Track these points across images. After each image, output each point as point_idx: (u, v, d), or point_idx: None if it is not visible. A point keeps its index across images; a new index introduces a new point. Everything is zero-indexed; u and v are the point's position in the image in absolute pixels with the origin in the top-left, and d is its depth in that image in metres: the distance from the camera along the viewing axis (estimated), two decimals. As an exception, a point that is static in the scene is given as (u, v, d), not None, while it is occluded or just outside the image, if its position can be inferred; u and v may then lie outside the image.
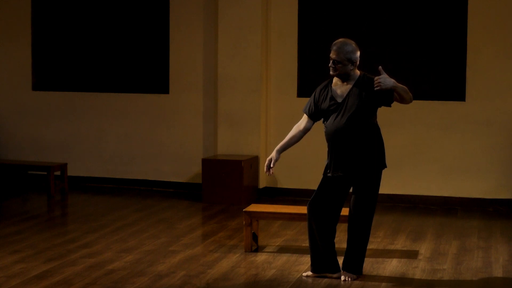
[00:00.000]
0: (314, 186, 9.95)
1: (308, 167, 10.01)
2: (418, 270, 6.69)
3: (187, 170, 10.49)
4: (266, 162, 6.47)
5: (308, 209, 6.41)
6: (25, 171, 10.92)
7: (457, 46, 9.57)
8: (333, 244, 6.41)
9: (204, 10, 10.30)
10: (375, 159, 6.27)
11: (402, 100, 6.19)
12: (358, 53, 6.27)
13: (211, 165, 9.70)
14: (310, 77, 10.06)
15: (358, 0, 9.86)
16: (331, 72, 6.31)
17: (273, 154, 6.48)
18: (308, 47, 10.06)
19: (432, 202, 9.63)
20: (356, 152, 6.25)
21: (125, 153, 10.76)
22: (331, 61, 6.26)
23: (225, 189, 9.61)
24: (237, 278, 6.36)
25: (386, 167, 6.39)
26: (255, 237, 7.34)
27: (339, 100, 6.30)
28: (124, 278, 6.29)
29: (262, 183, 10.14)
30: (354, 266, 6.41)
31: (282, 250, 7.29)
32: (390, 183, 9.75)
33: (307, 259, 6.94)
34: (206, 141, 10.36)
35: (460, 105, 9.56)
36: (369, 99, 6.21)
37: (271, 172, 6.49)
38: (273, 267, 6.69)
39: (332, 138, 6.35)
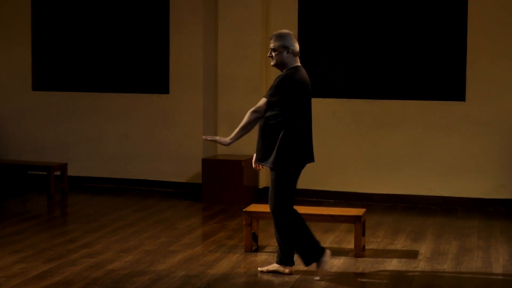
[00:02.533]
0: (314, 186, 10.04)
1: (308, 167, 9.98)
2: (418, 270, 6.69)
3: (187, 170, 10.49)
4: None
5: None
6: (25, 171, 10.92)
7: (457, 46, 9.57)
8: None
9: (204, 10, 10.30)
10: (274, 155, 6.27)
11: (251, 127, 6.33)
12: (295, 43, 6.36)
13: (211, 165, 9.70)
14: (310, 77, 10.02)
15: (358, 0, 9.86)
16: (271, 63, 6.43)
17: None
18: (308, 47, 10.05)
19: (432, 202, 9.64)
20: (259, 144, 6.37)
21: (125, 153, 10.76)
22: (269, 52, 6.40)
23: (225, 189, 9.61)
24: (237, 278, 6.37)
25: (293, 166, 6.34)
26: (255, 237, 7.34)
27: None
28: (124, 278, 6.29)
29: (262, 183, 10.14)
30: (281, 257, 6.42)
31: (282, 250, 7.28)
32: (390, 183, 9.76)
33: (307, 259, 6.95)
34: (206, 141, 10.35)
35: (460, 105, 9.56)
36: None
37: None
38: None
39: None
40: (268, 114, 6.31)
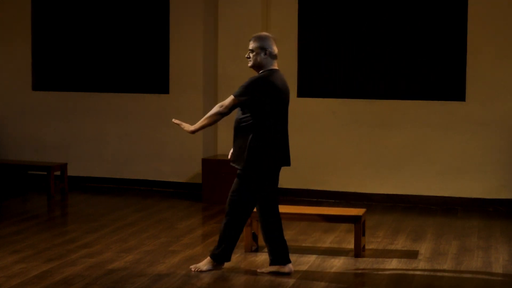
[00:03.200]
0: (314, 186, 10.04)
1: (308, 167, 10.02)
2: (418, 270, 6.69)
3: (187, 170, 10.49)
4: None
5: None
6: (25, 171, 10.91)
7: (457, 46, 9.57)
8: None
9: (204, 10, 10.30)
10: (244, 157, 6.30)
11: (213, 121, 6.38)
12: (274, 46, 6.38)
13: (211, 165, 9.70)
14: (310, 77, 10.06)
15: (358, 0, 9.86)
16: (248, 64, 6.46)
17: None
18: (308, 47, 10.06)
19: (432, 202, 9.64)
20: (235, 145, 6.39)
21: (125, 153, 10.76)
22: (247, 53, 6.42)
23: (225, 189, 9.57)
24: (237, 278, 6.37)
25: (262, 169, 6.34)
26: (255, 237, 7.34)
27: None
28: (124, 278, 6.29)
29: (262, 183, 10.13)
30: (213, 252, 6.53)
31: (282, 250, 7.28)
32: (390, 183, 9.76)
33: (307, 259, 6.95)
34: (206, 141, 10.36)
35: (460, 105, 9.56)
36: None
37: None
38: (273, 267, 6.69)
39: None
40: (240, 116, 6.36)
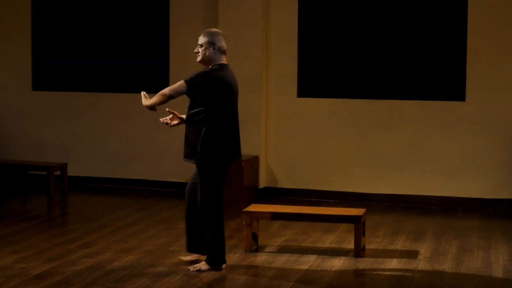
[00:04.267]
0: (314, 186, 10.04)
1: (308, 167, 10.01)
2: (418, 270, 6.69)
3: (187, 170, 10.47)
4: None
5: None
6: (25, 171, 10.91)
7: (457, 47, 9.57)
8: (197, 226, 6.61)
9: (204, 10, 10.30)
10: (198, 152, 6.39)
11: (159, 101, 6.53)
12: (223, 42, 6.46)
13: (211, 165, 9.68)
14: (310, 77, 10.06)
15: (358, 0, 9.86)
16: (197, 59, 6.52)
17: None
18: (308, 47, 10.06)
19: (432, 202, 9.63)
20: (187, 140, 6.48)
21: (125, 153, 10.75)
22: (196, 48, 6.50)
23: (225, 189, 9.56)
24: (237, 278, 6.37)
25: (217, 163, 6.43)
26: (255, 237, 7.34)
27: None
28: (124, 278, 6.29)
29: (262, 183, 10.14)
30: (209, 257, 6.53)
31: (282, 250, 7.29)
32: (390, 183, 9.76)
33: (307, 259, 6.95)
34: (206, 141, 10.34)
35: (460, 105, 9.56)
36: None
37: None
38: (273, 267, 6.69)
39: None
40: (192, 111, 6.43)
